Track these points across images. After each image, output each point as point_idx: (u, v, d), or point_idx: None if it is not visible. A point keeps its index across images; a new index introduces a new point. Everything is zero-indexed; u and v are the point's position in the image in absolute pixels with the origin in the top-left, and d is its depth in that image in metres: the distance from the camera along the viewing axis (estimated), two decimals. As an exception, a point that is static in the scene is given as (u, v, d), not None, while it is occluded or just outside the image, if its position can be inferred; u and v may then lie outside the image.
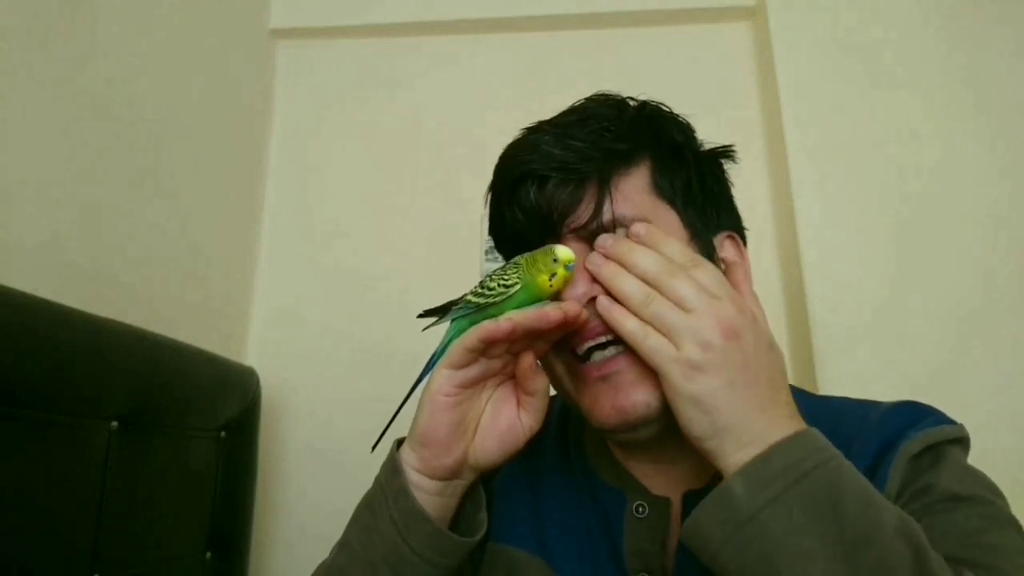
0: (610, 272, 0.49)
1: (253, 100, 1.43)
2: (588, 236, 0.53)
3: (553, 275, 0.49)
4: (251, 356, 1.34)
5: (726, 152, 0.61)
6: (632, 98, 0.59)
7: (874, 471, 0.49)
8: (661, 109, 0.59)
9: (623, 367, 0.50)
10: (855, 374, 1.14)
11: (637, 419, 0.50)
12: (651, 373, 0.48)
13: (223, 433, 1.04)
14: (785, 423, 0.44)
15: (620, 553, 0.54)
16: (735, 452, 0.43)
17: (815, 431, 0.44)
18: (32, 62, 0.86)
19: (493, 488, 0.61)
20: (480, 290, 0.51)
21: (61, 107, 0.90)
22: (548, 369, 0.55)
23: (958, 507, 0.46)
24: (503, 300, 0.50)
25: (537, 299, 0.50)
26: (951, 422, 0.52)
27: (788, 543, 0.39)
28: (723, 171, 0.61)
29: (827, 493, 0.40)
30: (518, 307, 0.50)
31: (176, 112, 1.14)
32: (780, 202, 1.30)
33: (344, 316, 1.36)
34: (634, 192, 0.54)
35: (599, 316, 0.50)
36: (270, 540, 1.26)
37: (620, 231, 0.52)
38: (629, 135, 0.55)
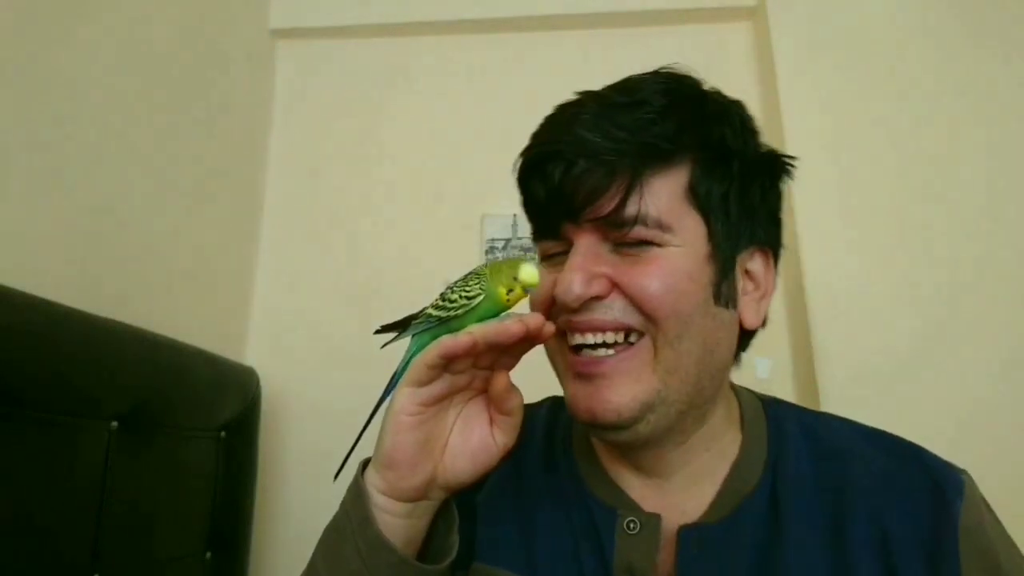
0: None
1: (253, 100, 1.43)
2: (606, 227, 0.49)
3: (511, 291, 0.47)
4: (251, 356, 1.34)
5: (783, 165, 0.57)
6: (700, 86, 0.54)
7: (935, 547, 0.48)
8: (725, 107, 0.54)
9: (606, 372, 0.49)
10: (855, 374, 1.13)
11: (607, 423, 0.49)
12: (629, 379, 0.48)
13: (223, 433, 1.04)
14: None
15: (609, 567, 0.52)
16: None
17: None
18: (32, 61, 0.85)
19: (475, 505, 0.59)
20: (441, 303, 0.50)
21: (61, 106, 0.90)
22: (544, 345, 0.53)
23: None
24: (465, 312, 0.48)
25: (499, 311, 0.48)
26: (960, 469, 0.52)
27: None
28: (774, 183, 0.56)
29: None
30: (482, 319, 0.48)
31: (176, 112, 1.14)
32: (780, 202, 1.30)
33: (344, 316, 1.36)
34: (666, 193, 0.50)
35: (590, 311, 0.48)
36: (270, 540, 1.26)
37: (639, 229, 0.49)
38: (674, 132, 0.50)
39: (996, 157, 1.23)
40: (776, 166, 0.57)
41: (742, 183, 0.52)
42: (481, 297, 0.48)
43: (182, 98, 1.16)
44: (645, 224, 0.49)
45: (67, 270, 0.89)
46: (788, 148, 1.29)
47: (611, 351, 0.49)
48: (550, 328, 0.47)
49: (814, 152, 1.26)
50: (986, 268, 1.17)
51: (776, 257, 0.57)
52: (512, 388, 0.49)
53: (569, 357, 0.51)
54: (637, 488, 0.55)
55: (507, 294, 0.47)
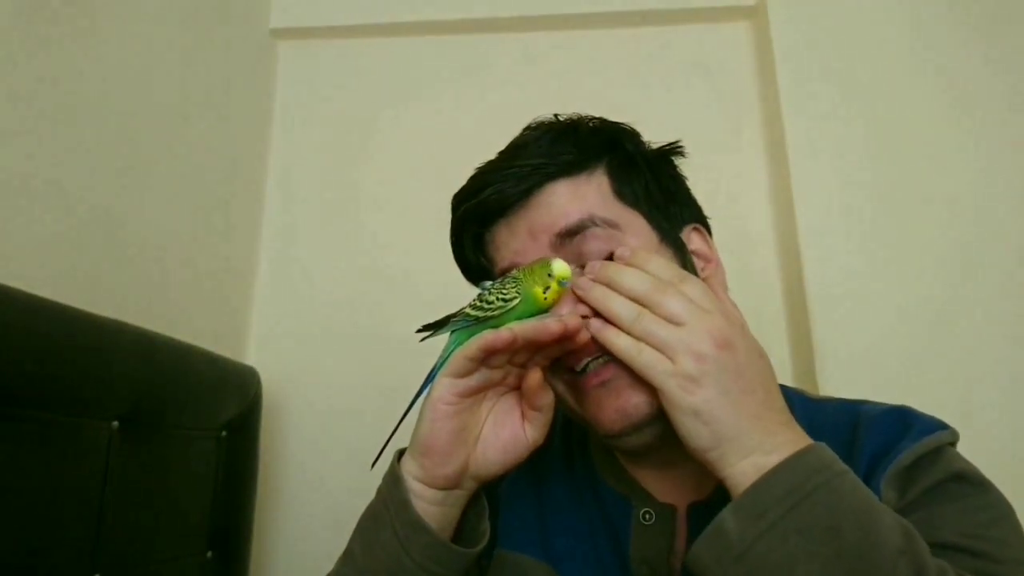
0: (599, 295, 0.49)
1: (253, 100, 1.43)
2: (566, 242, 0.54)
3: (547, 288, 0.49)
4: (252, 355, 1.34)
5: (674, 150, 0.62)
6: (570, 117, 0.60)
7: (867, 483, 0.49)
8: (604, 121, 0.60)
9: (618, 371, 0.51)
10: (856, 373, 1.13)
11: (640, 419, 0.51)
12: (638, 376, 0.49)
13: (224, 433, 1.04)
14: (783, 431, 0.44)
15: (626, 559, 0.54)
16: (737, 462, 0.43)
17: (818, 447, 0.43)
18: (32, 61, 0.85)
19: (498, 496, 0.62)
20: (479, 303, 0.51)
21: (61, 106, 0.90)
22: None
23: (965, 491, 0.47)
24: (502, 314, 0.50)
25: (535, 313, 0.50)
26: (943, 427, 0.52)
27: (782, 573, 0.39)
28: (676, 168, 0.62)
29: (825, 517, 0.40)
30: (517, 320, 0.50)
31: (176, 112, 1.14)
32: (780, 202, 1.30)
33: (345, 315, 1.36)
34: (597, 196, 0.55)
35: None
36: (271, 540, 1.26)
37: (595, 230, 0.53)
38: (579, 147, 0.57)
39: (994, 154, 1.23)
40: (671, 153, 0.62)
41: (654, 174, 0.58)
42: (517, 300, 0.49)
43: (182, 98, 1.16)
44: (595, 223, 0.54)
45: (67, 270, 0.89)
46: (788, 148, 1.30)
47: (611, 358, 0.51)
48: (586, 335, 0.49)
49: (814, 151, 1.26)
50: (984, 265, 1.17)
51: (709, 231, 0.62)
52: (545, 385, 0.50)
53: (580, 381, 0.53)
54: (651, 479, 0.57)
55: (544, 292, 0.49)
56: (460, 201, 0.61)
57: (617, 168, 0.57)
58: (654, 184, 0.58)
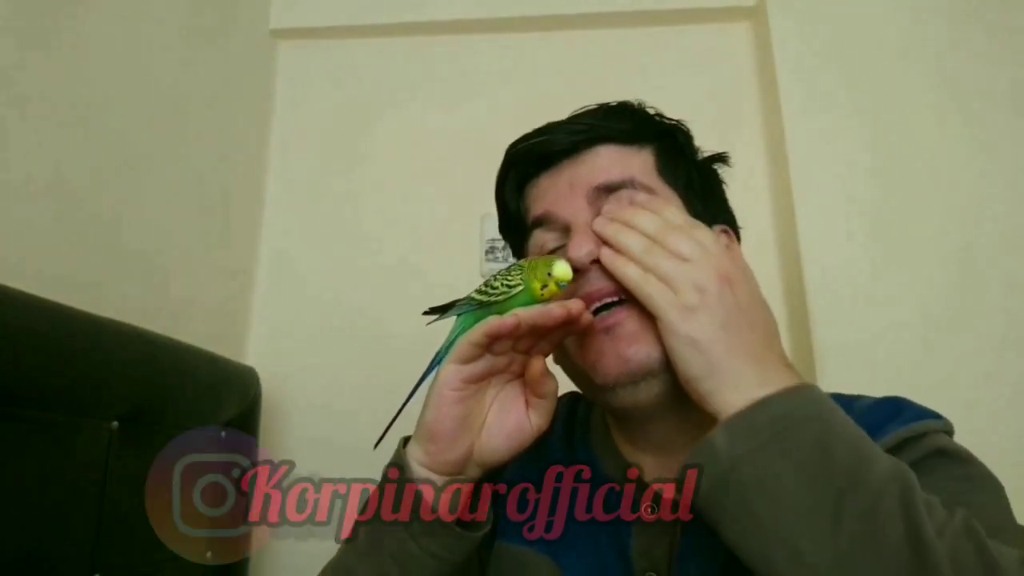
0: (614, 229, 0.52)
1: (253, 100, 1.43)
2: (602, 196, 0.56)
3: (545, 286, 0.50)
4: (251, 355, 1.34)
5: (721, 157, 0.64)
6: (630, 101, 0.62)
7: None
8: (662, 114, 0.62)
9: (623, 318, 0.52)
10: (856, 372, 1.14)
11: (639, 368, 0.51)
12: (651, 326, 0.50)
13: (223, 433, 1.04)
14: (781, 371, 0.45)
15: (627, 552, 0.54)
16: (730, 394, 0.44)
17: (814, 386, 0.45)
18: (32, 61, 0.86)
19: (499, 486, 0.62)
20: (484, 288, 0.52)
21: (61, 106, 0.90)
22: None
23: (946, 464, 0.48)
24: (506, 299, 0.51)
25: (536, 302, 0.50)
26: (935, 416, 0.53)
27: (770, 491, 0.40)
28: (718, 175, 0.64)
29: (816, 442, 0.41)
30: (520, 307, 0.50)
31: (176, 112, 1.14)
32: (780, 202, 1.30)
33: (345, 315, 1.36)
34: (641, 166, 0.57)
35: (604, 274, 0.52)
36: (270, 540, 1.26)
37: (630, 191, 0.55)
38: (635, 122, 0.59)
39: (994, 154, 1.23)
40: (715, 158, 0.64)
41: (698, 170, 0.61)
42: (521, 288, 0.50)
43: (182, 98, 1.16)
44: (633, 186, 0.55)
45: (67, 270, 0.89)
46: (788, 147, 1.30)
47: (622, 304, 0.52)
48: (588, 317, 0.49)
49: (814, 151, 1.26)
50: (984, 265, 1.18)
51: (739, 238, 0.64)
52: (547, 372, 0.51)
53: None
54: (653, 471, 0.57)
55: (541, 289, 0.50)
56: (512, 146, 0.63)
57: (664, 152, 0.59)
58: (696, 177, 0.60)
